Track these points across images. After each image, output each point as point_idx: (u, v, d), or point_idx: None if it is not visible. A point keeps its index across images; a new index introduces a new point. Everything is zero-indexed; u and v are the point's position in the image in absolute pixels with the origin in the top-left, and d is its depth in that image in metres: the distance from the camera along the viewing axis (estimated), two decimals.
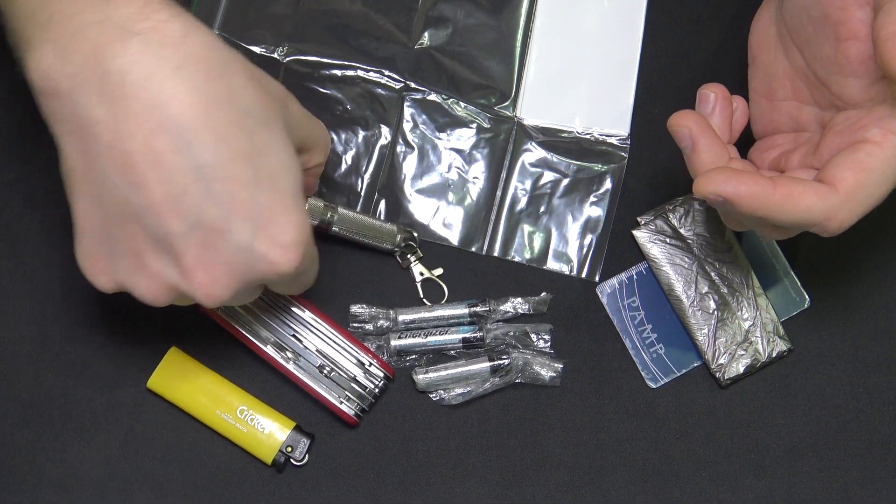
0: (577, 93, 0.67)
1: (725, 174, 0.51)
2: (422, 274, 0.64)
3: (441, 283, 0.64)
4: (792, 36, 0.56)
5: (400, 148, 0.66)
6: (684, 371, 0.64)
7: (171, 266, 0.49)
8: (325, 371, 0.61)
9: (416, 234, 0.64)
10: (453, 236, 0.65)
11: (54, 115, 0.48)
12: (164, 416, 0.62)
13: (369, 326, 0.64)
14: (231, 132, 0.48)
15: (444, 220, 0.65)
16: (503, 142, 0.66)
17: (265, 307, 0.62)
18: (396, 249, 0.64)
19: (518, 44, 0.67)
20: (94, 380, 0.63)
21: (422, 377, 0.62)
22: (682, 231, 0.64)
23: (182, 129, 0.46)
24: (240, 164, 0.48)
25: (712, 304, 0.63)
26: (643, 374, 0.64)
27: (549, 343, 0.64)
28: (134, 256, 0.50)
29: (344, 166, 0.66)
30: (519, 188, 0.66)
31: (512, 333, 0.63)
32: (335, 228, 0.62)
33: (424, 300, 0.64)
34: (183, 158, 0.47)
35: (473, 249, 0.65)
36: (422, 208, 0.65)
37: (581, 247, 0.65)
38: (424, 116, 0.66)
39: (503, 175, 0.66)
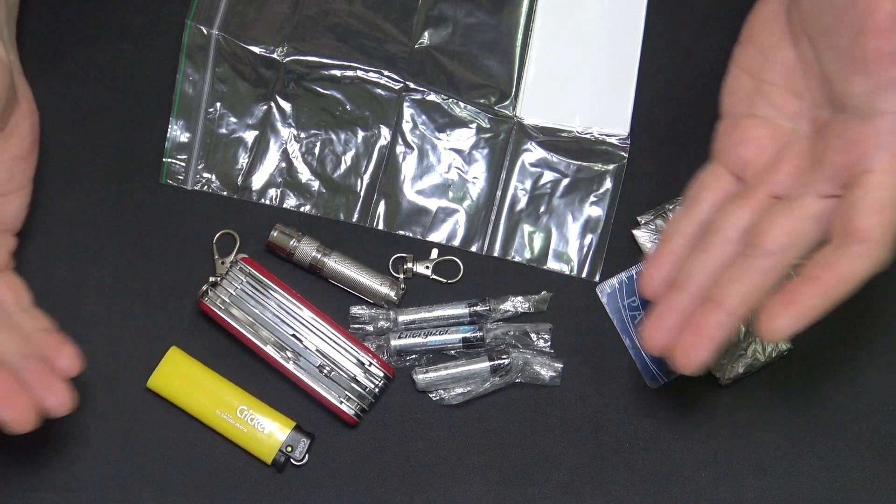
0: (577, 92, 0.67)
1: (784, 311, 0.51)
2: (427, 267, 0.65)
3: (455, 259, 0.65)
4: (806, 24, 0.55)
5: (399, 148, 0.66)
6: None
7: None
8: (325, 371, 0.61)
9: (402, 287, 0.64)
10: (453, 236, 0.65)
11: None
12: (164, 416, 0.62)
13: (369, 327, 0.64)
14: None
15: (444, 220, 0.65)
16: (503, 142, 0.66)
17: (265, 307, 0.62)
18: (384, 304, 0.64)
19: (518, 43, 0.67)
20: (94, 380, 0.63)
21: (422, 377, 0.63)
22: None
23: None
24: None
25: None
26: (643, 374, 0.64)
27: (549, 343, 0.64)
28: None
29: (343, 167, 0.66)
30: (519, 188, 0.66)
31: (512, 333, 0.63)
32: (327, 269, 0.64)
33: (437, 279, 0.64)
34: None
35: (473, 249, 0.65)
36: (421, 209, 0.65)
37: (581, 247, 0.65)
38: (424, 117, 0.66)
39: (503, 175, 0.66)
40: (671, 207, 0.65)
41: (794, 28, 0.56)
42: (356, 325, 0.64)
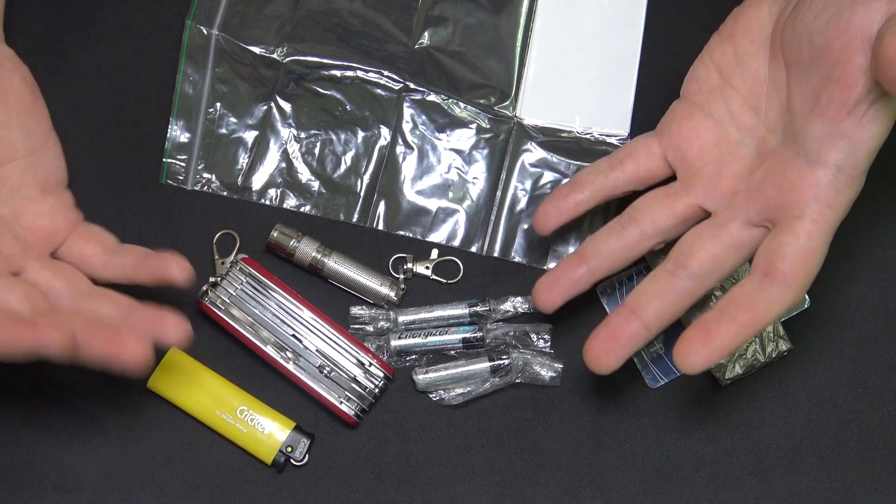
0: (577, 93, 0.67)
1: (700, 346, 0.53)
2: (427, 267, 0.65)
3: (456, 259, 0.65)
4: (786, 50, 0.55)
5: (399, 149, 0.66)
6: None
7: None
8: (325, 371, 0.61)
9: (402, 287, 0.64)
10: (453, 236, 0.65)
11: None
12: (164, 416, 0.62)
13: (369, 328, 0.64)
14: None
15: (444, 220, 0.65)
16: (503, 142, 0.66)
17: (265, 307, 0.62)
18: (384, 305, 0.64)
19: (518, 43, 0.67)
20: (94, 380, 0.63)
21: (422, 377, 0.63)
22: None
23: None
24: None
25: (712, 304, 0.63)
26: (643, 374, 0.64)
27: (549, 343, 0.64)
28: None
29: (343, 167, 0.66)
30: (519, 188, 0.66)
31: (512, 333, 0.63)
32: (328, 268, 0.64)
33: (438, 279, 0.64)
34: None
35: (473, 249, 0.65)
36: (421, 209, 0.65)
37: None
38: (424, 117, 0.66)
39: (503, 175, 0.66)
40: None
41: (774, 47, 0.56)
42: (356, 326, 0.64)
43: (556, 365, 0.63)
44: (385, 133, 0.66)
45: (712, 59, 0.59)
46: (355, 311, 0.64)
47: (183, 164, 0.65)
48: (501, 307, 0.64)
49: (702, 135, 0.58)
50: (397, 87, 0.66)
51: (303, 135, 0.66)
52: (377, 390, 0.62)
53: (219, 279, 0.62)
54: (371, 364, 0.62)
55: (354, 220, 0.65)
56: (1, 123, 0.56)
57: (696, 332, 0.54)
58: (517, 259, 0.65)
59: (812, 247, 0.53)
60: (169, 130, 0.65)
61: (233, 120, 0.66)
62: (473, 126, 0.66)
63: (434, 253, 0.65)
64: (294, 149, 0.66)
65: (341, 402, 0.61)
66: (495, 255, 0.65)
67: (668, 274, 0.56)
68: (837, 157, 0.52)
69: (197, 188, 0.65)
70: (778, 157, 0.55)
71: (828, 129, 0.52)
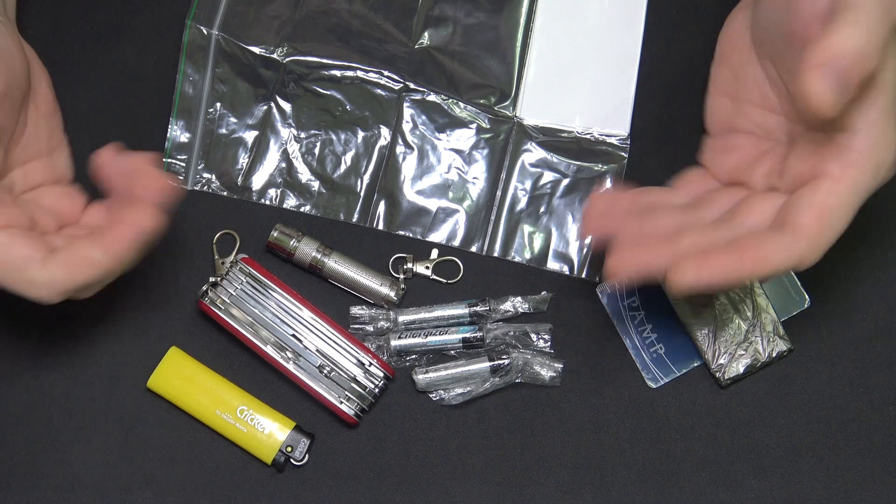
0: (577, 92, 0.67)
1: (694, 264, 0.51)
2: (427, 267, 0.65)
3: (456, 259, 0.65)
4: (764, 47, 0.56)
5: (399, 148, 0.66)
6: (684, 371, 0.64)
7: None
8: (325, 371, 0.61)
9: (402, 287, 0.64)
10: (453, 236, 0.65)
11: None
12: (164, 416, 0.62)
13: (369, 327, 0.64)
14: None
15: (444, 220, 0.65)
16: (503, 142, 0.66)
17: (265, 307, 0.62)
18: (384, 304, 0.64)
19: (518, 43, 0.67)
20: (94, 380, 0.63)
21: (422, 377, 0.63)
22: None
23: None
24: None
25: (716, 312, 0.63)
26: (643, 374, 0.64)
27: (549, 343, 0.64)
28: None
29: (343, 167, 0.66)
30: (519, 188, 0.66)
31: (512, 333, 0.63)
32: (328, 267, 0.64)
33: (439, 279, 0.64)
34: None
35: (473, 249, 0.65)
36: (421, 209, 0.65)
37: (581, 247, 0.65)
38: (424, 117, 0.66)
39: (503, 175, 0.66)
40: None
41: (757, 48, 0.57)
42: (356, 325, 0.64)
43: (556, 365, 0.63)
44: (385, 133, 0.66)
45: (717, 88, 0.60)
46: (355, 311, 0.64)
47: (183, 164, 0.65)
48: (501, 307, 0.64)
49: (739, 144, 0.59)
50: (397, 87, 0.66)
51: (303, 135, 0.66)
52: (377, 390, 0.62)
53: (219, 279, 0.62)
54: (371, 364, 0.62)
55: (354, 220, 0.65)
56: (32, 122, 0.58)
57: (695, 255, 0.52)
58: (517, 259, 0.65)
59: (830, 203, 0.51)
60: (169, 130, 0.65)
61: (233, 120, 0.66)
62: (473, 126, 0.66)
63: (434, 253, 0.65)
64: (294, 149, 0.66)
65: (341, 402, 0.61)
66: (495, 255, 0.65)
67: (715, 224, 0.55)
68: (853, 121, 0.51)
69: (197, 188, 0.65)
70: (803, 137, 0.55)
71: None
